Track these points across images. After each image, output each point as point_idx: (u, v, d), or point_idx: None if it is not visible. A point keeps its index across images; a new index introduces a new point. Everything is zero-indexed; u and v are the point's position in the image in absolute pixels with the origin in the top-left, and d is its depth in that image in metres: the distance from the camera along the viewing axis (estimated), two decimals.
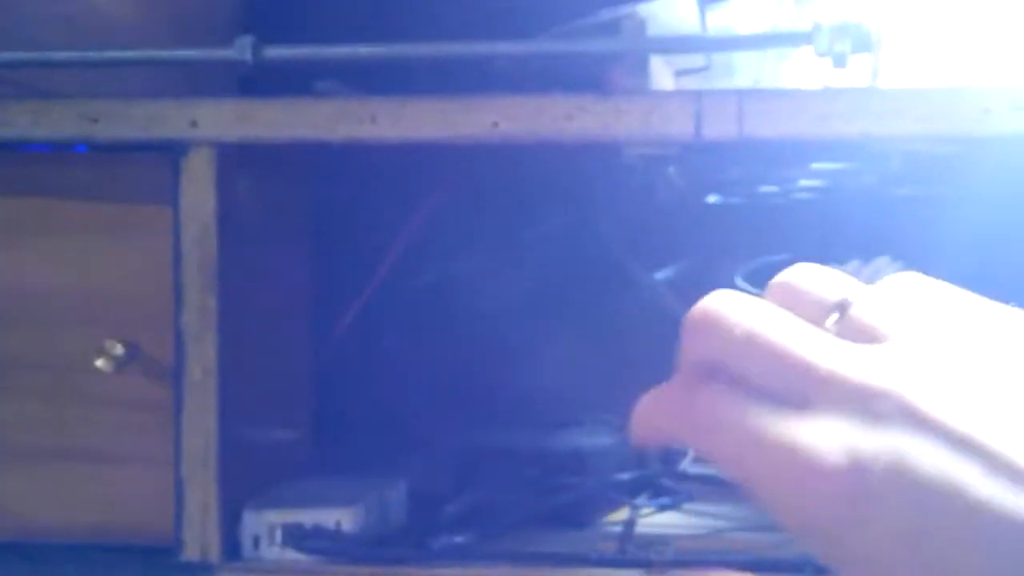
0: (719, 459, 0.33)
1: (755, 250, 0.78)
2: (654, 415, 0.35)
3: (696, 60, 0.78)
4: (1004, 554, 0.29)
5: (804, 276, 0.34)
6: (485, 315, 0.89)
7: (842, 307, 0.33)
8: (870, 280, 0.37)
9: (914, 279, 0.34)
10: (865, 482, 0.30)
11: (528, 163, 0.83)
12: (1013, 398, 0.31)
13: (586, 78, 0.63)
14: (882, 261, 0.67)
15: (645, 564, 0.61)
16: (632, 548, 0.64)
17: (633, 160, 0.62)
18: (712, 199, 0.93)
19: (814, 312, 0.33)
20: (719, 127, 0.58)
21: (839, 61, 0.59)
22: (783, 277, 0.34)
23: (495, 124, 0.60)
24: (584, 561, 0.62)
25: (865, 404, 0.31)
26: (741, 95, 0.59)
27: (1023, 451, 0.29)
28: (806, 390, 0.31)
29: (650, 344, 0.93)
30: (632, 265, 0.88)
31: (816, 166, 0.72)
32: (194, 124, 0.61)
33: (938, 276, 0.74)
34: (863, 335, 0.33)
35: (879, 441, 0.30)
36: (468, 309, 0.89)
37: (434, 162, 0.78)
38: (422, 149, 0.71)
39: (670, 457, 0.84)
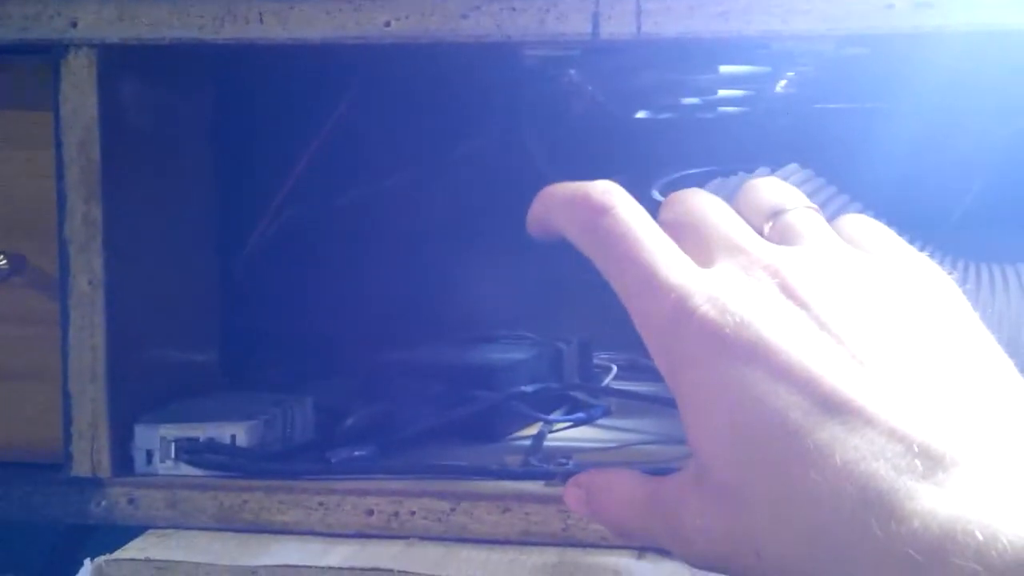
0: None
1: (683, 166, 0.77)
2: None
3: None
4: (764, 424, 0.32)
5: (762, 185, 0.41)
6: (405, 234, 0.88)
7: (777, 213, 0.39)
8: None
9: (864, 218, 0.40)
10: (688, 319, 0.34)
11: (446, 77, 0.81)
12: (862, 317, 0.34)
13: None
14: (790, 168, 0.66)
15: (545, 476, 0.60)
16: (536, 461, 0.63)
17: (533, 62, 0.61)
18: (641, 115, 0.91)
19: (759, 212, 0.39)
20: (617, 26, 0.56)
21: None
22: (749, 182, 0.41)
23: (387, 23, 0.58)
24: (484, 473, 0.61)
25: (744, 269, 0.35)
26: None
27: (854, 351, 0.32)
28: (711, 248, 0.37)
29: (575, 262, 0.92)
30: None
31: (726, 69, 0.71)
32: (74, 24, 0.58)
33: (861, 185, 0.72)
34: (784, 236, 0.38)
35: (733, 295, 0.34)
36: (388, 228, 0.87)
37: (346, 71, 0.76)
38: (332, 55, 0.69)
39: (591, 373, 0.84)
